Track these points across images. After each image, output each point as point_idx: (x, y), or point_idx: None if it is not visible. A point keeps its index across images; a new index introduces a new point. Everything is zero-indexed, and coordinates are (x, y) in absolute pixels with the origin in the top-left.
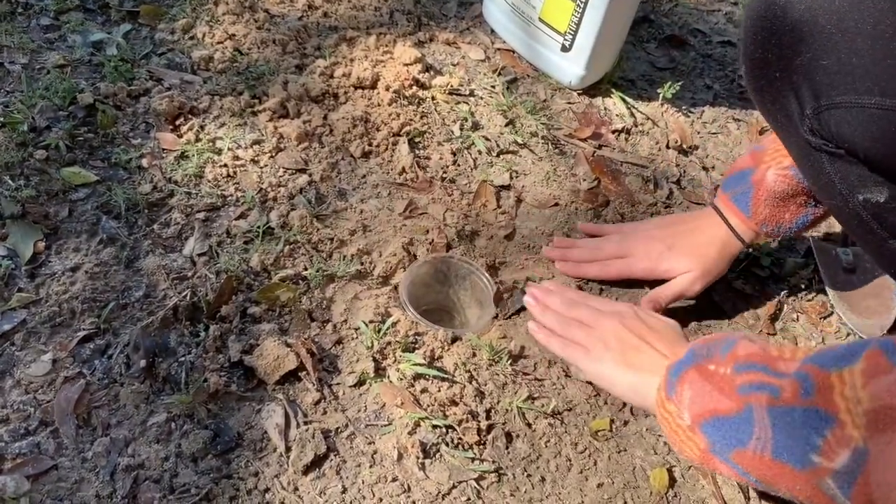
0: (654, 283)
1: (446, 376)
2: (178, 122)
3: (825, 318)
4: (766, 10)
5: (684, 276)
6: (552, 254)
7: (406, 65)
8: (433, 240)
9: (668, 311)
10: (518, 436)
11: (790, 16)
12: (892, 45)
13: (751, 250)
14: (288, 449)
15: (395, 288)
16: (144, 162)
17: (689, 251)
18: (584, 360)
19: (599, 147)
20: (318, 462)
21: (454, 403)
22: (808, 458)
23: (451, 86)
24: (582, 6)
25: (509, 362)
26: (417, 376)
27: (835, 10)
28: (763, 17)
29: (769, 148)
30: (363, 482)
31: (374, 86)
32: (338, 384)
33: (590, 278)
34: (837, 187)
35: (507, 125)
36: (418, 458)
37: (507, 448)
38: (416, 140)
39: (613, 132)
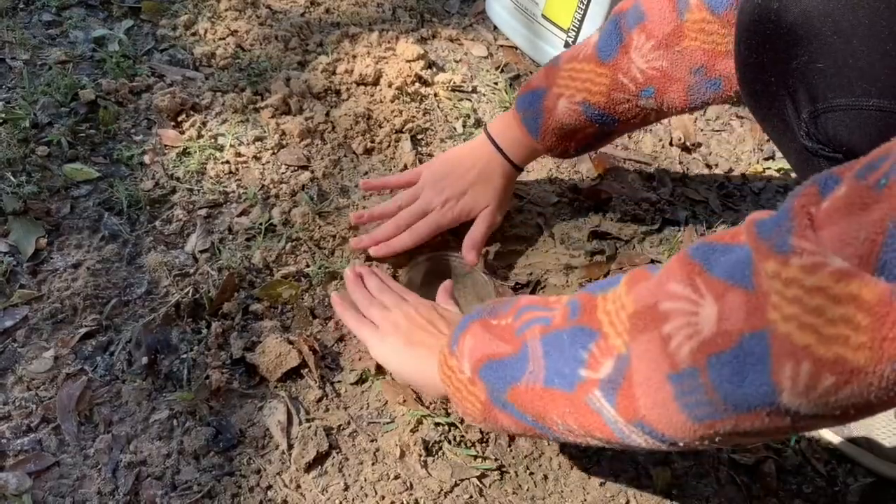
0: (462, 228)
1: None
2: (179, 119)
3: None
4: (759, 13)
5: (485, 212)
6: (361, 244)
7: (408, 61)
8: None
9: None
10: None
11: (784, 19)
12: (889, 45)
13: None
14: (290, 446)
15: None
16: (146, 158)
17: (480, 189)
18: (372, 339)
19: None
20: (320, 459)
21: None
22: (576, 373)
23: (454, 82)
24: (585, 2)
25: None
26: None
27: (829, 12)
28: (757, 21)
29: (563, 69)
30: (365, 480)
31: (376, 82)
32: (340, 381)
33: (405, 249)
34: None
35: None
36: (420, 455)
37: (509, 446)
38: (419, 137)
39: None
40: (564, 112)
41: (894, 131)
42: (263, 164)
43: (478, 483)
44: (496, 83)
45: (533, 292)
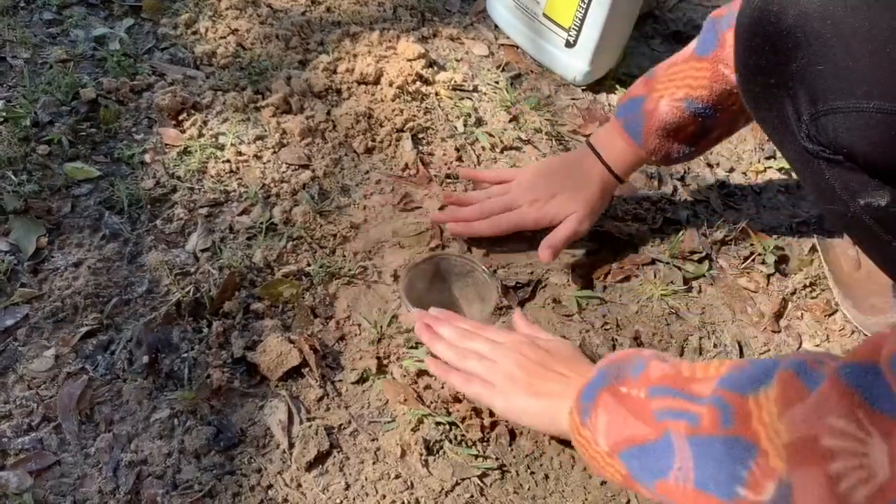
0: (544, 231)
1: None
2: (180, 118)
3: (830, 315)
4: (759, 15)
5: (572, 217)
6: (441, 217)
7: (409, 60)
8: (431, 237)
9: (671, 313)
10: (521, 433)
11: (784, 21)
12: (889, 47)
13: (754, 247)
14: (291, 445)
15: (397, 283)
16: (147, 157)
17: (572, 194)
18: (492, 397)
19: None
20: (321, 459)
21: (457, 400)
22: (734, 490)
23: (455, 81)
24: (587, 1)
25: None
26: (420, 373)
27: (829, 14)
28: (756, 23)
29: (661, 75)
30: (366, 479)
31: (377, 81)
32: (340, 381)
33: (482, 235)
34: (838, 193)
35: (510, 121)
36: (421, 454)
37: (510, 445)
38: (420, 136)
39: None
40: (666, 111)
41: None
42: (264, 163)
43: (479, 482)
44: (497, 82)
45: (533, 291)
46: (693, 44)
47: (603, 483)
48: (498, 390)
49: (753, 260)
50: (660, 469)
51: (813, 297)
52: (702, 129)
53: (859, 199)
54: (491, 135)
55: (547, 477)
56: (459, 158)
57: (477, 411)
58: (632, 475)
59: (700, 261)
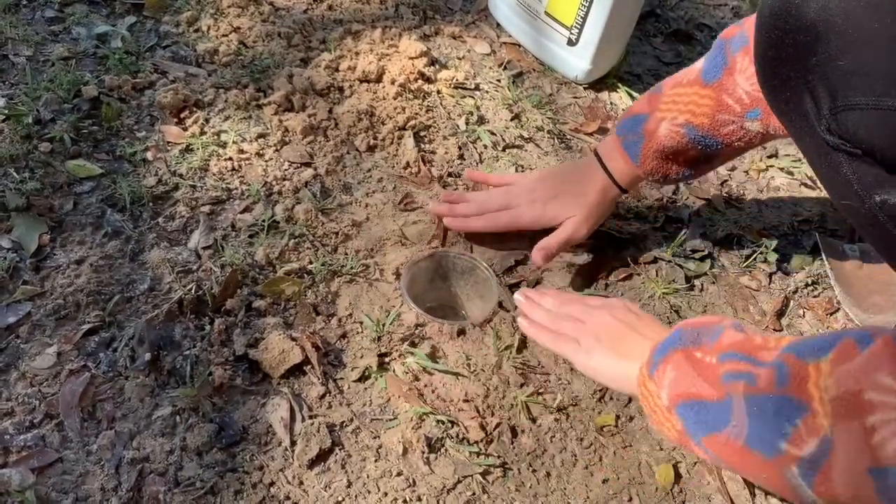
0: (541, 234)
1: (451, 370)
2: (182, 115)
3: (832, 314)
4: (780, 8)
5: (569, 221)
6: (440, 209)
7: (411, 58)
8: (433, 235)
9: (668, 307)
10: (523, 431)
11: (805, 15)
12: None
13: (756, 245)
14: (293, 443)
15: (398, 281)
16: (149, 155)
17: (572, 198)
18: (576, 353)
19: None
20: (323, 456)
21: (459, 398)
22: (778, 445)
23: (457, 80)
24: (588, 0)
25: (514, 356)
26: (422, 370)
27: (851, 10)
28: (777, 15)
29: (666, 94)
30: (368, 476)
31: (379, 79)
32: (342, 378)
33: (477, 231)
34: (854, 188)
35: (512, 119)
36: (423, 452)
37: (512, 443)
38: (422, 134)
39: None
40: (666, 134)
41: None
42: (266, 161)
43: (481, 480)
44: (499, 80)
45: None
46: (701, 63)
47: (605, 481)
48: (582, 348)
49: (755, 258)
50: (714, 424)
51: (815, 296)
52: (702, 156)
53: (875, 196)
54: (493, 133)
55: (549, 475)
56: (461, 157)
57: (478, 409)
58: (686, 430)
59: (702, 259)
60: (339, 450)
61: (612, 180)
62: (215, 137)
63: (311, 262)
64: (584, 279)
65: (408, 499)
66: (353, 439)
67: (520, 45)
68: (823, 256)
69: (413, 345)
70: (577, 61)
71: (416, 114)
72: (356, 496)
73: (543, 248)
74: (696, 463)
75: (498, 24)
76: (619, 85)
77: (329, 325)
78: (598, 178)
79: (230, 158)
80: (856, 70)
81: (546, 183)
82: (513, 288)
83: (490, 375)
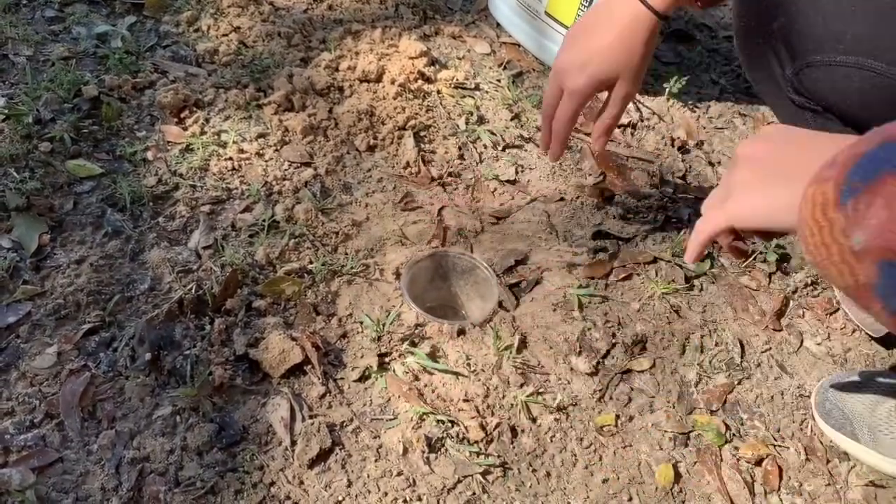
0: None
1: (451, 370)
2: (182, 115)
3: (831, 313)
4: None
5: (617, 87)
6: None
7: (411, 58)
8: (433, 235)
9: (672, 310)
10: (523, 430)
11: None
12: (856, 5)
13: (756, 243)
14: (293, 443)
15: (398, 281)
16: (149, 154)
17: (608, 54)
18: (724, 211)
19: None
20: (323, 456)
21: (459, 398)
22: None
23: (457, 79)
24: (588, 0)
25: (514, 356)
26: (422, 370)
27: None
28: None
29: None
30: (368, 476)
31: (379, 79)
32: (343, 378)
33: (562, 144)
34: None
35: (512, 119)
36: (423, 452)
37: (512, 443)
38: (422, 134)
39: (619, 127)
40: None
41: (867, 84)
42: (266, 161)
43: (481, 480)
44: (499, 80)
45: (534, 289)
46: None
47: (604, 480)
48: (729, 200)
49: (755, 258)
50: None
51: (814, 296)
52: None
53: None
54: (493, 133)
55: (549, 474)
56: (461, 156)
57: (478, 409)
58: (877, 288)
59: (702, 259)
60: (340, 449)
61: (648, 6)
62: (215, 137)
63: (311, 262)
64: (584, 279)
65: (408, 498)
66: (354, 439)
67: (520, 45)
68: None
69: (413, 345)
70: None
71: (416, 114)
72: (356, 496)
73: (604, 127)
74: (695, 463)
75: (498, 24)
76: None
77: (329, 325)
78: (631, 15)
79: (230, 158)
80: (809, 31)
81: (577, 47)
82: (513, 288)
83: (490, 375)
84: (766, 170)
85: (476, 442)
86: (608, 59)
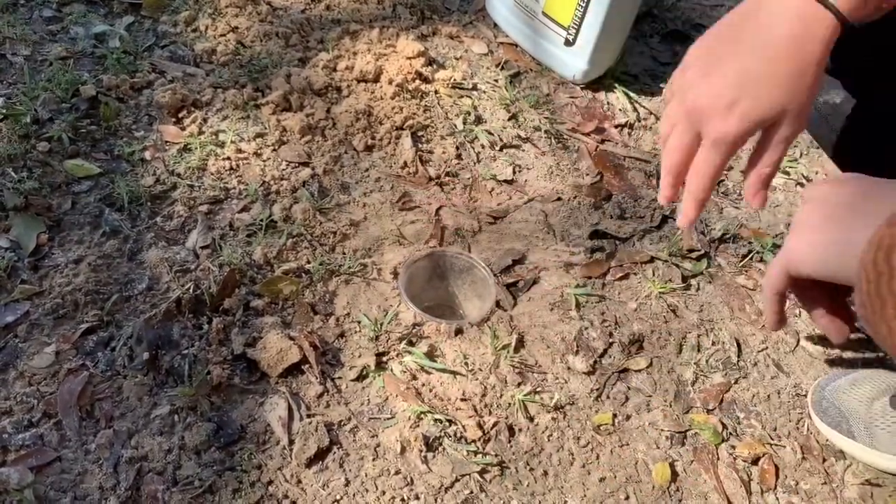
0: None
1: (449, 369)
2: (180, 115)
3: None
4: None
5: (784, 126)
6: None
7: (409, 58)
8: (431, 235)
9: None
10: (520, 429)
11: None
12: None
13: (752, 245)
14: (291, 442)
15: (396, 280)
16: (147, 154)
17: (767, 82)
18: (784, 253)
19: (602, 142)
20: (321, 455)
21: (456, 397)
22: None
23: (454, 80)
24: (586, 0)
25: (511, 355)
26: (420, 369)
27: None
28: None
29: None
30: (366, 475)
31: (376, 79)
32: (340, 377)
33: (703, 199)
34: None
35: (510, 119)
36: (421, 451)
37: (509, 442)
38: (419, 134)
39: (616, 127)
40: None
41: None
42: (264, 161)
43: (478, 478)
44: (496, 80)
45: (532, 289)
46: None
47: (601, 479)
48: (787, 242)
49: (752, 258)
50: None
51: None
52: None
53: (820, 98)
54: (490, 133)
55: (546, 473)
56: (459, 156)
57: (475, 408)
58: None
59: (698, 259)
60: (337, 449)
61: (834, 13)
62: (213, 137)
63: (308, 262)
64: (581, 278)
65: (406, 497)
66: (351, 438)
67: (517, 46)
68: None
69: (411, 344)
70: (575, 61)
71: (414, 114)
72: (354, 495)
73: (761, 184)
74: (692, 461)
75: (495, 25)
76: (616, 85)
77: (327, 325)
78: (795, 19)
79: (228, 158)
80: None
81: (718, 67)
82: (510, 287)
83: (488, 374)
84: (829, 210)
85: (473, 441)
86: (768, 91)
